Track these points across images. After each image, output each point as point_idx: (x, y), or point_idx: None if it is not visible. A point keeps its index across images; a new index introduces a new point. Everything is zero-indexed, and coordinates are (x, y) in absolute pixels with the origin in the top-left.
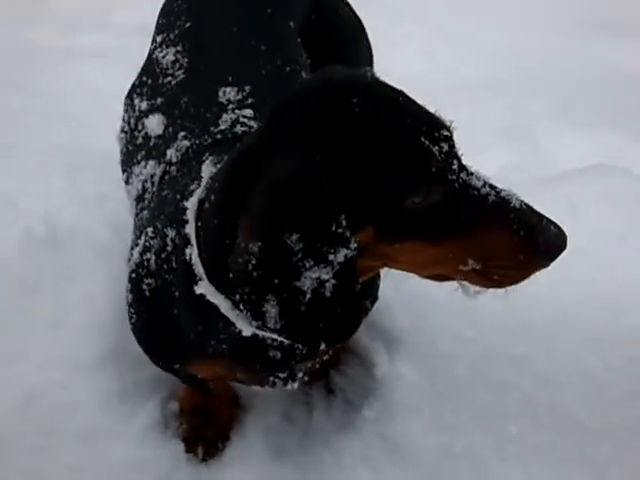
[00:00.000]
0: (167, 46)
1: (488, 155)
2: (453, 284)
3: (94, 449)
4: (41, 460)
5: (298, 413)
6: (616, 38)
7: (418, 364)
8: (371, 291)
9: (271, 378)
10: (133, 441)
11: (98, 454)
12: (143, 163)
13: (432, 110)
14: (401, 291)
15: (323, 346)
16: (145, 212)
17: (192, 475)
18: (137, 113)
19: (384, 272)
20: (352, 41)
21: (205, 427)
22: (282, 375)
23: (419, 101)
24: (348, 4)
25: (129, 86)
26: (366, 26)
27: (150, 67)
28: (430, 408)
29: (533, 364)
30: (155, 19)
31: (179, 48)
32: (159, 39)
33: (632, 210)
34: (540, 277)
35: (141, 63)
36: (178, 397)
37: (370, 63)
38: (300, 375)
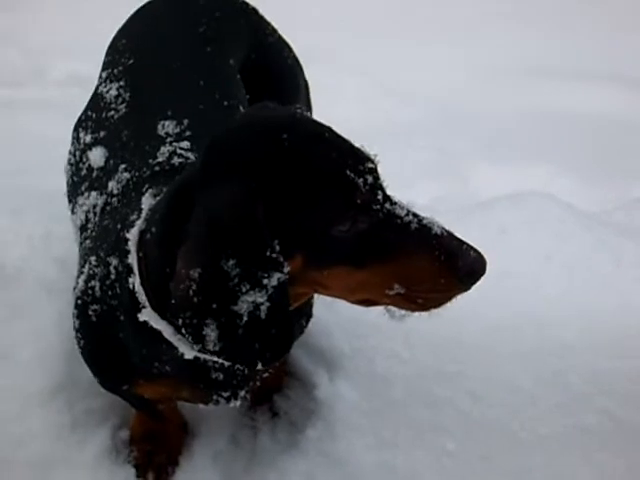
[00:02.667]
0: (111, 81)
1: (418, 189)
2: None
3: (48, 478)
4: None
5: (244, 436)
6: (541, 79)
7: (357, 384)
8: (305, 310)
9: (215, 397)
10: (86, 469)
11: None
12: (86, 194)
13: (358, 145)
14: (339, 314)
15: (260, 365)
16: (88, 241)
17: None
18: (82, 146)
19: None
20: (290, 78)
21: (155, 452)
22: (225, 394)
23: (347, 138)
24: (287, 45)
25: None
26: (307, 73)
27: (95, 101)
28: (370, 426)
29: (465, 380)
30: (95, 72)
31: (122, 83)
32: (104, 75)
33: (556, 233)
34: (469, 295)
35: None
36: (129, 424)
37: (307, 100)
38: (242, 394)
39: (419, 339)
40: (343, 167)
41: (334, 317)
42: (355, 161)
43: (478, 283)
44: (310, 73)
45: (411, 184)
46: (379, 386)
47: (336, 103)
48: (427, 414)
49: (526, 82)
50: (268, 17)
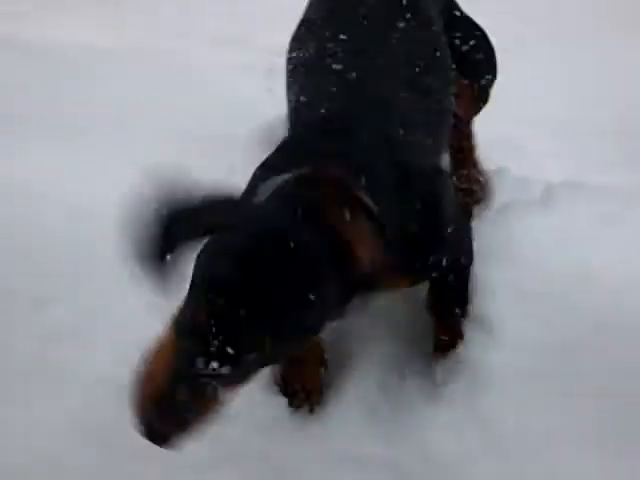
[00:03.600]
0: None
1: None
2: None
3: None
4: None
5: (392, 383)
6: None
7: (506, 348)
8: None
9: None
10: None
11: None
12: None
13: None
14: (501, 273)
15: None
16: None
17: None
18: None
19: None
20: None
21: (300, 382)
22: None
23: None
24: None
25: None
26: None
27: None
28: (514, 390)
29: (610, 354)
30: None
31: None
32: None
33: None
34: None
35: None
36: None
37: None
38: None
39: (572, 308)
40: None
41: (497, 276)
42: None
43: None
44: None
45: None
46: (528, 352)
47: None
48: (568, 382)
49: None
50: None
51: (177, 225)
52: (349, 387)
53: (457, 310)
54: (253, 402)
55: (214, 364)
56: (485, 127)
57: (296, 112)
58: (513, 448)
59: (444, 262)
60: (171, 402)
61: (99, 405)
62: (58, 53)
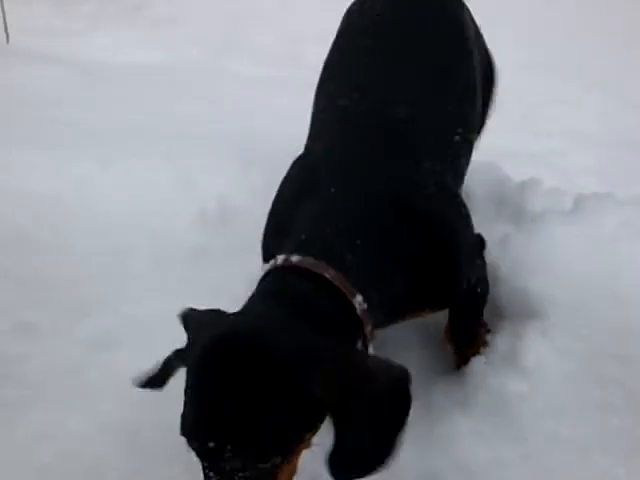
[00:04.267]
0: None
1: None
2: None
3: None
4: None
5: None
6: None
7: (539, 358)
8: None
9: None
10: None
11: None
12: None
13: None
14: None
15: None
16: None
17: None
18: None
19: None
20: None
21: None
22: None
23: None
24: None
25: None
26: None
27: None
28: (540, 393)
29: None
30: None
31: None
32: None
33: None
34: None
35: None
36: None
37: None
38: None
39: (599, 320)
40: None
41: (529, 284)
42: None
43: None
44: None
45: None
46: (558, 361)
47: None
48: (599, 392)
49: None
50: None
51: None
52: None
53: (473, 329)
54: None
55: None
56: (518, 140)
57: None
58: (544, 456)
59: (462, 292)
60: None
61: (135, 409)
62: (108, 70)
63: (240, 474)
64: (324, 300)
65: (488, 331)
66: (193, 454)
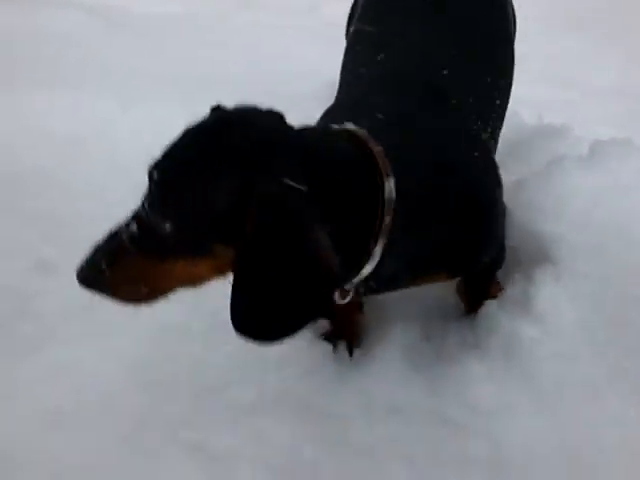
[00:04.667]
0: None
1: None
2: None
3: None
4: None
5: (434, 333)
6: None
7: (553, 302)
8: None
9: None
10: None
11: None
12: None
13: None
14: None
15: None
16: None
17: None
18: None
19: None
20: None
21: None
22: None
23: None
24: None
25: None
26: None
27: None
28: (554, 338)
29: None
30: None
31: None
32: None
33: None
34: None
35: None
36: None
37: None
38: None
39: (613, 263)
40: None
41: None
42: None
43: None
44: None
45: None
46: (570, 304)
47: None
48: (609, 334)
49: None
50: None
51: None
52: (392, 337)
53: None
54: (297, 349)
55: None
56: (537, 88)
57: (349, 77)
58: (555, 399)
59: (484, 261)
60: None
61: (149, 345)
62: (130, 16)
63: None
64: (355, 163)
65: (501, 289)
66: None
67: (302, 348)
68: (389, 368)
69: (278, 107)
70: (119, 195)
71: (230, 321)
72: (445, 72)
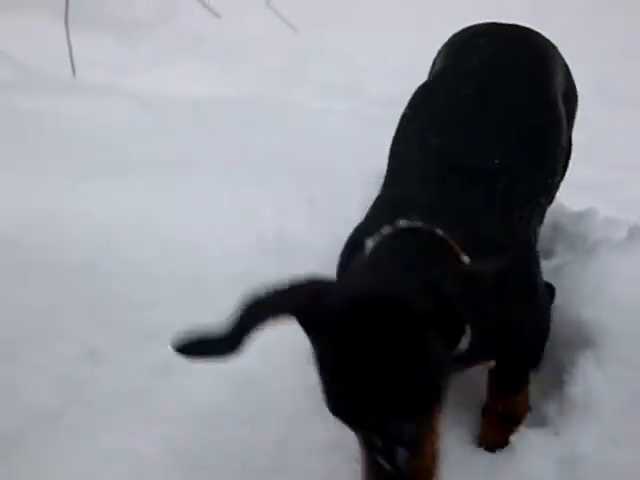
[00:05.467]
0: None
1: None
2: None
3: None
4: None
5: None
6: None
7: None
8: None
9: None
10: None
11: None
12: None
13: None
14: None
15: None
16: None
17: None
18: None
19: None
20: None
21: None
22: None
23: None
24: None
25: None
26: None
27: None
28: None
29: None
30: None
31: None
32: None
33: None
34: None
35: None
36: None
37: None
38: None
39: None
40: None
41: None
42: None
43: None
44: None
45: None
46: (612, 391)
47: None
48: None
49: None
50: None
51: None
52: None
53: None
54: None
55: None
56: (578, 170)
57: (398, 167)
58: None
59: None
60: None
61: (198, 433)
62: (172, 102)
63: (403, 435)
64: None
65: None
66: None
67: (348, 434)
68: None
69: (322, 202)
70: (166, 281)
71: None
72: (499, 166)
